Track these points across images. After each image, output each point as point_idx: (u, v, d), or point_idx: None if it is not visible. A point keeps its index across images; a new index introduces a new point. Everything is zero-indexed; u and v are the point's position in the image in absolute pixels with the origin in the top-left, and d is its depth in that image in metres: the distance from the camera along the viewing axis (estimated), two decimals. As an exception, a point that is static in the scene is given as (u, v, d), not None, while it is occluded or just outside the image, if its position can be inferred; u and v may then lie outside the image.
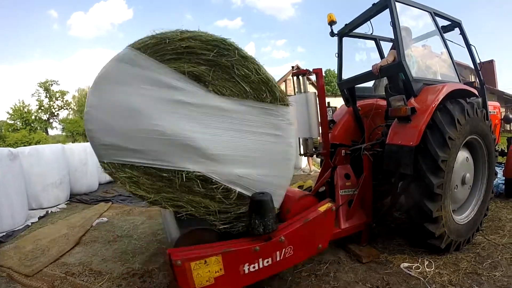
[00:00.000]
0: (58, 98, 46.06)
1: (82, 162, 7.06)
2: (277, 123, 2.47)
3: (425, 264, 2.86)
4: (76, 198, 6.55)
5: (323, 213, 2.61)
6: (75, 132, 41.95)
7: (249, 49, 2.93)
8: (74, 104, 48.28)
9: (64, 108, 47.35)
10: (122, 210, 5.46)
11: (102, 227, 4.50)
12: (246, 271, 2.19)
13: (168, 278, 2.82)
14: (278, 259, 2.32)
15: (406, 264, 2.88)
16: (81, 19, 77.95)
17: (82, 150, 7.21)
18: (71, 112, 48.07)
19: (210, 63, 2.30)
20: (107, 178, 8.06)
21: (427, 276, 2.65)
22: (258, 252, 2.21)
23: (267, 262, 2.27)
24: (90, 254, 3.52)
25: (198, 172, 2.35)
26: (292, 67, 5.63)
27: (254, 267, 2.21)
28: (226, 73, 2.35)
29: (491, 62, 25.50)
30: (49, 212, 5.55)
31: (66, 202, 6.25)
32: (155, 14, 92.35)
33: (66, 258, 3.43)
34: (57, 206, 5.88)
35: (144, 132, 2.22)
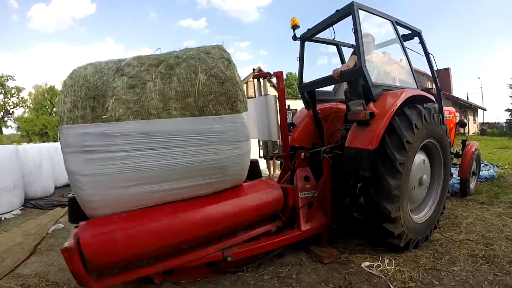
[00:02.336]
0: (14, 95, 43.34)
1: (36, 164, 6.64)
2: None
3: (386, 262, 2.93)
4: (31, 203, 6.15)
5: None
6: (30, 131, 39.61)
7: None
8: (30, 101, 45.60)
9: (20, 105, 44.64)
10: (79, 215, 5.18)
11: (58, 234, 4.25)
12: None
13: (129, 286, 2.70)
14: None
15: (367, 263, 2.94)
16: (42, 11, 73.86)
17: (37, 151, 6.79)
18: (27, 110, 45.38)
19: None
20: (63, 181, 7.70)
21: (388, 274, 2.72)
22: None
23: None
24: (47, 264, 3.31)
25: None
26: (253, 69, 5.63)
27: None
28: None
29: (447, 70, 27.20)
30: (3, 218, 5.18)
31: (20, 208, 5.85)
32: (118, 11, 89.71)
33: (21, 269, 3.20)
34: (11, 212, 5.49)
35: None
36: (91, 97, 2.28)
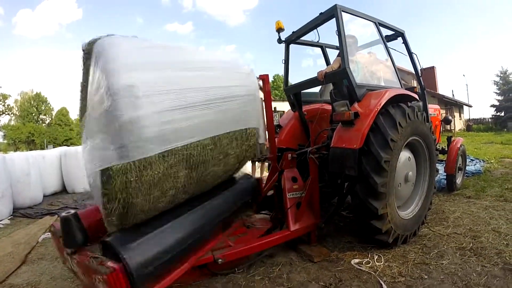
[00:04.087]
0: (0, 102, 42.54)
1: (24, 173, 6.52)
2: None
3: (375, 259, 2.97)
4: (20, 212, 6.03)
5: None
6: (17, 139, 38.98)
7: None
8: (17, 109, 44.85)
9: (6, 113, 43.80)
10: (69, 223, 5.12)
11: (48, 243, 4.18)
12: None
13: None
14: None
15: (356, 260, 2.98)
16: (28, 17, 73.40)
17: (24, 160, 6.68)
18: (13, 117, 44.62)
19: None
20: (52, 189, 7.60)
21: (378, 270, 2.76)
22: None
23: None
24: (38, 273, 3.27)
25: None
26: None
27: None
28: None
29: (432, 68, 27.62)
30: (-9, 228, 5.05)
31: (9, 217, 5.74)
32: (105, 16, 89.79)
33: (12, 279, 3.16)
34: (0, 222, 5.39)
35: None
36: None
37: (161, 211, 2.45)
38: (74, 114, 46.57)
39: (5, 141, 41.87)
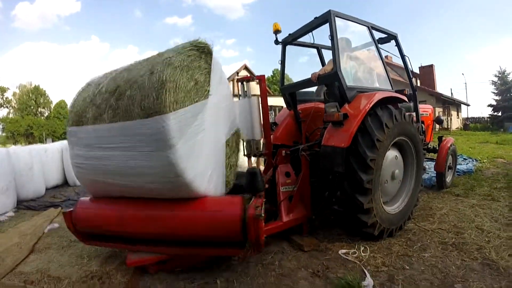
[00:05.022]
0: (-2, 95, 42.50)
1: (27, 166, 6.68)
2: None
3: (361, 250, 3.17)
4: (23, 205, 6.19)
5: None
6: (16, 132, 38.98)
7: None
8: (15, 102, 44.79)
9: (4, 106, 43.78)
10: (73, 215, 5.29)
11: (54, 233, 4.36)
12: None
13: (126, 277, 2.90)
14: None
15: (344, 251, 3.18)
16: (26, 10, 72.93)
17: (27, 153, 6.84)
18: (12, 110, 44.57)
19: None
20: (54, 182, 7.79)
21: (363, 260, 2.96)
22: None
23: None
24: (46, 261, 3.42)
25: None
26: (237, 73, 5.85)
27: None
28: None
29: (431, 67, 27.62)
30: (-3, 220, 5.21)
31: (13, 210, 5.89)
32: (104, 9, 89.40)
33: (22, 267, 3.30)
34: (5, 214, 5.54)
35: None
36: None
37: None
38: (73, 108, 46.18)
39: (4, 134, 41.87)
